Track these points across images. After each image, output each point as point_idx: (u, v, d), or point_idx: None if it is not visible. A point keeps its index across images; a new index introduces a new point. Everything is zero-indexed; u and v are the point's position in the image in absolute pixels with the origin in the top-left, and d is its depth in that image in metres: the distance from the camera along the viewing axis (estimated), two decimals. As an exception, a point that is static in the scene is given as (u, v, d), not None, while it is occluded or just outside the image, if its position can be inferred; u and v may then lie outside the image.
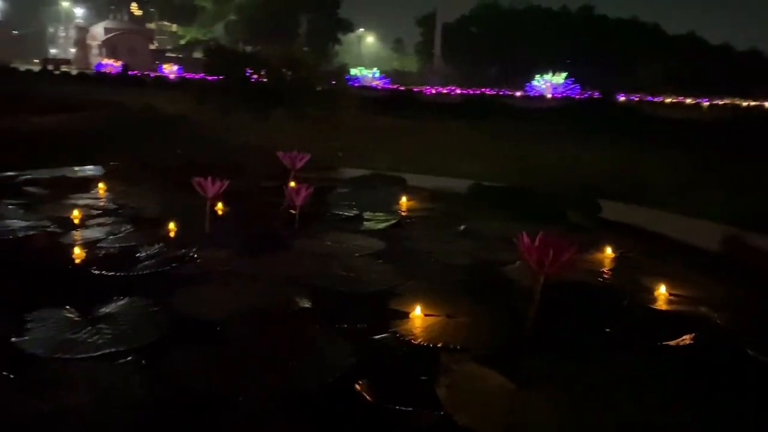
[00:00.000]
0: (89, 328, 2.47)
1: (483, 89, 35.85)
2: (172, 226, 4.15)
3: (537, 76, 39.30)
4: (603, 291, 3.07)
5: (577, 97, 32.16)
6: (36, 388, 2.01)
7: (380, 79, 47.46)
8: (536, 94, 34.87)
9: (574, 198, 5.04)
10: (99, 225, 4.12)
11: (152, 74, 47.52)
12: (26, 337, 2.37)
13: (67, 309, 2.62)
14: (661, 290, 3.05)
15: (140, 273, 3.19)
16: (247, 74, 13.37)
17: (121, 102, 18.01)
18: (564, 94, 34.65)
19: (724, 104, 28.46)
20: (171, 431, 1.87)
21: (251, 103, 13.19)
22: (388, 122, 17.16)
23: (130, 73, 44.23)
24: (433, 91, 35.25)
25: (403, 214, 4.85)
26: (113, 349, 2.29)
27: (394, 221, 4.48)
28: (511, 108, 22.23)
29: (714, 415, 1.91)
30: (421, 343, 2.46)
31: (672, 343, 2.40)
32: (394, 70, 55.48)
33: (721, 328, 2.60)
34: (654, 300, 2.98)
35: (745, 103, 29.03)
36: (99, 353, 2.26)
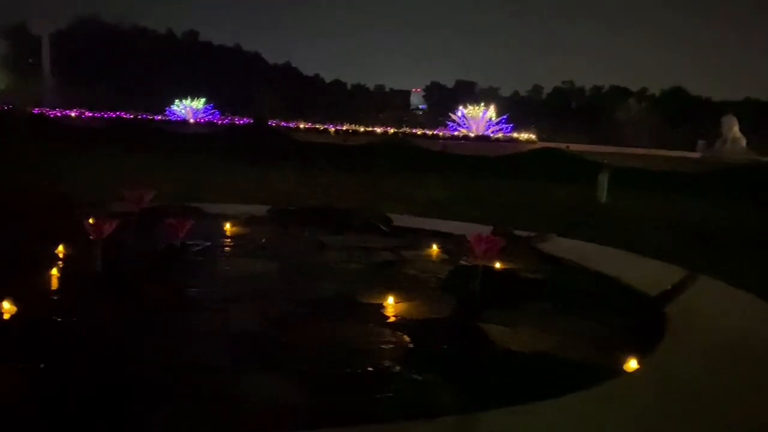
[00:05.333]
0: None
1: (120, 113, 34.05)
2: (54, 271, 4.01)
3: (176, 101, 39.27)
4: (472, 269, 4.46)
5: (219, 121, 33.61)
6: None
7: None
8: (178, 119, 34.93)
9: (367, 213, 6.35)
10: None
11: None
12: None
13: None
14: (497, 265, 4.61)
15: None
16: None
17: None
18: (206, 119, 35.64)
19: (346, 129, 33.82)
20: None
21: None
22: (38, 149, 15.52)
23: None
24: (58, 114, 31.99)
25: (237, 238, 5.41)
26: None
27: (258, 244, 5.07)
28: (169, 134, 22.18)
29: (597, 322, 3.48)
30: (423, 318, 3.45)
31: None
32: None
33: (559, 279, 4.29)
34: (502, 270, 4.50)
35: (362, 129, 34.95)
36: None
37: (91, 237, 4.01)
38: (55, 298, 3.66)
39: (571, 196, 13.11)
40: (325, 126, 34.69)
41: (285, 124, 33.22)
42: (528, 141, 34.60)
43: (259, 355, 2.88)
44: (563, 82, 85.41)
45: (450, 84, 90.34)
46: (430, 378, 2.67)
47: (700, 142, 35.22)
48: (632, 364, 2.81)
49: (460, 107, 41.17)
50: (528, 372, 2.76)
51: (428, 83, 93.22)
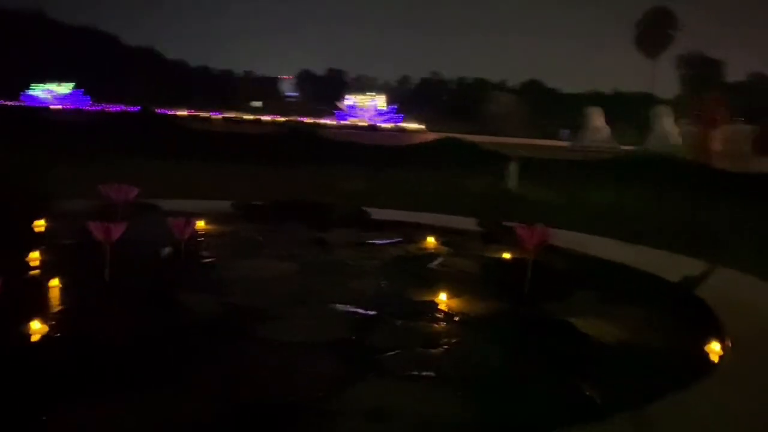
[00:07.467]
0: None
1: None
2: (56, 282, 3.50)
3: (37, 85, 35.08)
4: (498, 261, 4.46)
5: (89, 108, 30.67)
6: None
7: None
8: (39, 105, 31.25)
9: (344, 206, 6.15)
10: None
11: None
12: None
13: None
14: (506, 255, 4.64)
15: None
16: None
17: None
18: (75, 106, 32.32)
19: (233, 117, 32.29)
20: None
21: None
22: None
23: None
24: None
25: (223, 237, 5.05)
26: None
27: (254, 243, 4.75)
28: (34, 123, 19.89)
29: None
30: (492, 314, 3.40)
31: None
32: None
33: (578, 268, 4.41)
34: (520, 261, 4.54)
35: (246, 117, 33.52)
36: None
37: (99, 241, 3.52)
38: (85, 314, 3.16)
39: (482, 186, 13.55)
40: (210, 113, 32.96)
41: (163, 111, 31.17)
42: (417, 131, 35.35)
43: (363, 362, 2.67)
44: (431, 73, 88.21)
45: (321, 72, 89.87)
46: (560, 376, 2.64)
47: (563, 132, 38.06)
48: (717, 347, 2.97)
49: (348, 96, 41.13)
50: (641, 363, 2.82)
51: (298, 71, 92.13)
